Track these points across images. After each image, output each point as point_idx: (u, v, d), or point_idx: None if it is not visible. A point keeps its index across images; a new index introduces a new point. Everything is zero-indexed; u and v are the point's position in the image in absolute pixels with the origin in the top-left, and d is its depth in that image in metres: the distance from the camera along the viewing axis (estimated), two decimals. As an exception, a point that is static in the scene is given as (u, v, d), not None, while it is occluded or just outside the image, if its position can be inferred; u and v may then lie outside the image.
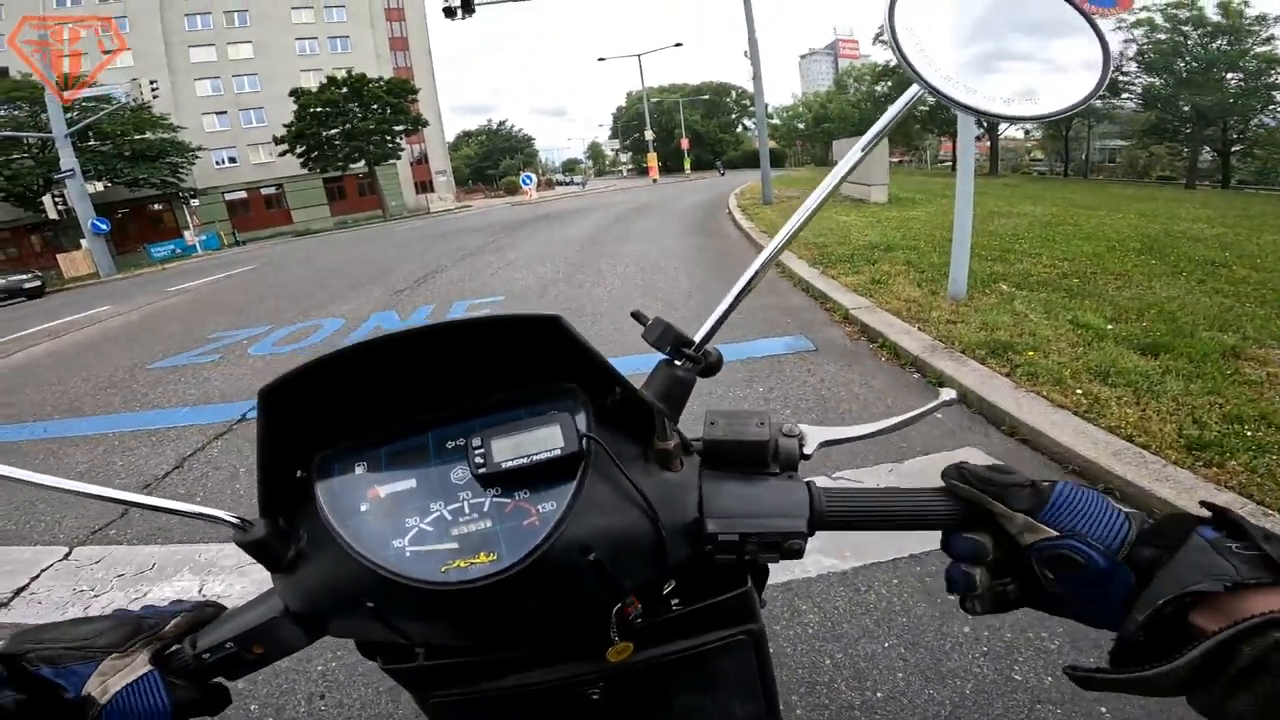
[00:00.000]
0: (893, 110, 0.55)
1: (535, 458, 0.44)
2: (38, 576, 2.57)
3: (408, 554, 0.43)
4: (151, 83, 25.43)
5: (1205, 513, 0.41)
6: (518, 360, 0.49)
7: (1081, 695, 1.50)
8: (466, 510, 0.45)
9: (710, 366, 0.53)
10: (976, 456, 2.66)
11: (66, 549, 2.76)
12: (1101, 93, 0.53)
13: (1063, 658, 1.62)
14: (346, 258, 14.31)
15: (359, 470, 0.47)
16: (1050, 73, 0.57)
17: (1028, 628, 1.73)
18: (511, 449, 0.45)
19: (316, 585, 0.47)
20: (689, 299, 6.00)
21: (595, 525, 0.44)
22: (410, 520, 0.44)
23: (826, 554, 2.05)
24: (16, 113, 27.73)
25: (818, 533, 0.48)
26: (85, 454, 3.78)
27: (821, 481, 0.50)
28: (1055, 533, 0.41)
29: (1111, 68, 0.54)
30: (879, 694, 1.58)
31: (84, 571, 2.58)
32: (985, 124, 34.54)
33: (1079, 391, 2.99)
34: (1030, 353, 3.50)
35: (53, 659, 0.46)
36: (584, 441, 0.45)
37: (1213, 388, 2.92)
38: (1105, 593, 0.41)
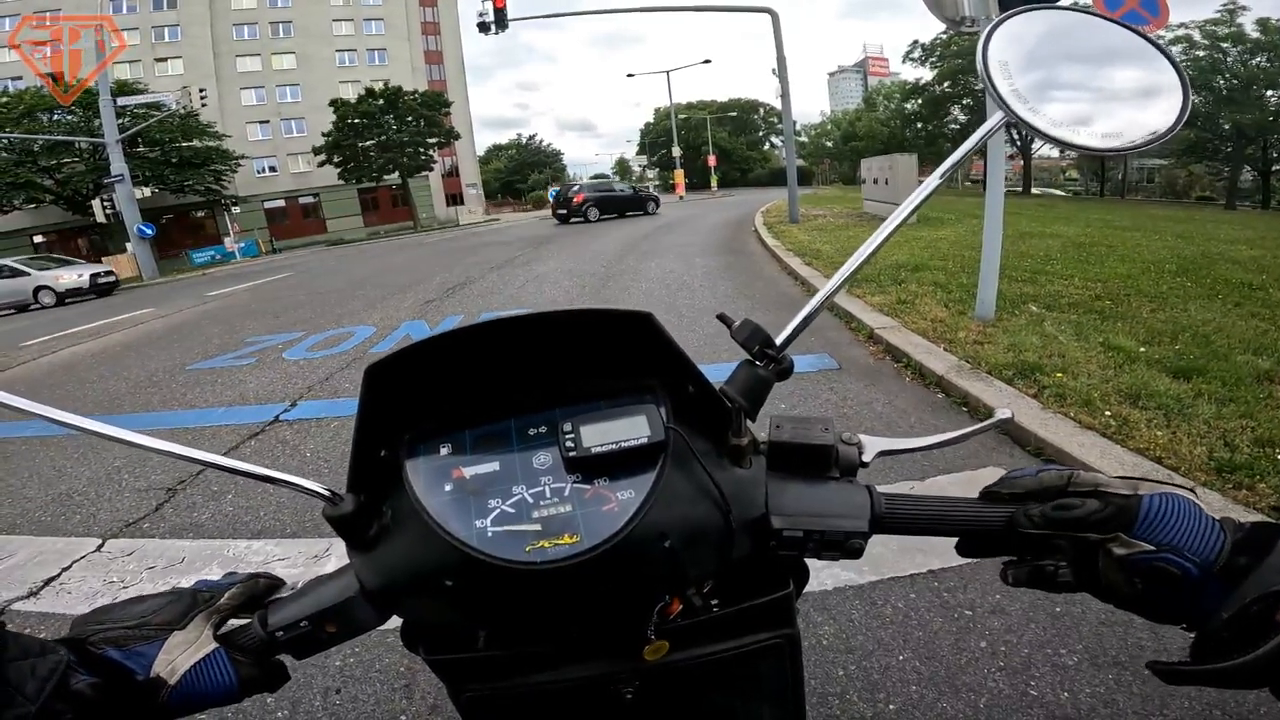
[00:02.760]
0: (974, 138, 0.58)
1: (623, 444, 0.46)
2: (69, 567, 2.64)
3: (490, 534, 0.44)
4: (200, 91, 26.24)
5: None
6: (601, 353, 0.51)
7: (1097, 711, 1.48)
8: (548, 494, 0.46)
9: (785, 370, 0.56)
10: (999, 476, 2.63)
11: (99, 541, 2.84)
12: (1180, 127, 0.56)
13: (1080, 674, 1.60)
14: (378, 268, 14.57)
15: (444, 452, 0.49)
16: (1133, 107, 0.59)
17: (1045, 644, 1.71)
18: (600, 435, 0.46)
19: (396, 563, 0.49)
20: (713, 314, 6.01)
21: (671, 513, 0.46)
22: (493, 502, 0.46)
23: (845, 567, 2.05)
24: (70, 117, 28.73)
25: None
26: (123, 448, 3.88)
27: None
28: (1151, 547, 0.41)
29: (1191, 99, 0.57)
30: (891, 706, 1.57)
31: (115, 564, 2.64)
32: (1019, 143, 34.10)
33: (1108, 413, 2.94)
34: (1059, 374, 3.45)
35: (117, 640, 0.46)
36: (667, 433, 0.47)
37: (1245, 411, 2.86)
38: (1195, 600, 0.41)
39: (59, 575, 2.58)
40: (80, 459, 3.86)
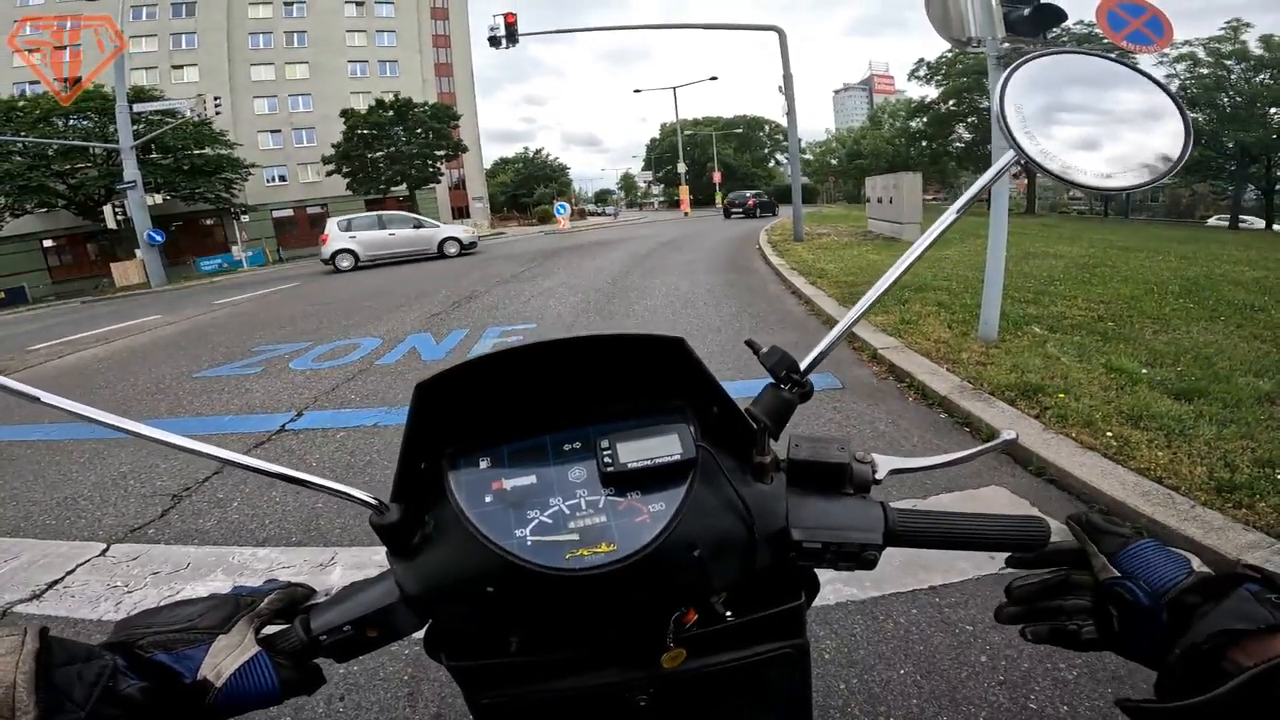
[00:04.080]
0: (988, 175, 0.63)
1: (658, 460, 0.50)
2: (73, 571, 2.64)
3: (530, 542, 0.47)
4: (215, 99, 26.40)
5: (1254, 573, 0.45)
6: (633, 374, 0.54)
7: (1094, 727, 1.49)
8: (583, 506, 0.49)
9: (807, 394, 0.60)
10: (1002, 496, 2.65)
11: (104, 545, 2.85)
12: (1185, 161, 0.60)
13: (1079, 688, 1.62)
14: (385, 279, 14.62)
15: (484, 465, 0.52)
16: (1139, 147, 0.63)
17: (1044, 659, 1.72)
18: (636, 452, 0.50)
19: (437, 570, 0.51)
20: (718, 333, 6.05)
21: (700, 525, 0.49)
22: (532, 513, 0.49)
23: (847, 582, 2.06)
24: (86, 123, 28.94)
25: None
26: (130, 454, 3.91)
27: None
28: (1118, 573, 0.48)
29: (1193, 137, 0.61)
30: (892, 719, 1.59)
31: (119, 568, 2.65)
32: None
33: (1109, 434, 2.96)
34: (1061, 395, 3.47)
35: (165, 644, 0.47)
36: (698, 450, 0.50)
37: (1246, 432, 2.88)
38: (1146, 629, 0.45)
39: (63, 579, 2.59)
40: (86, 464, 3.89)
